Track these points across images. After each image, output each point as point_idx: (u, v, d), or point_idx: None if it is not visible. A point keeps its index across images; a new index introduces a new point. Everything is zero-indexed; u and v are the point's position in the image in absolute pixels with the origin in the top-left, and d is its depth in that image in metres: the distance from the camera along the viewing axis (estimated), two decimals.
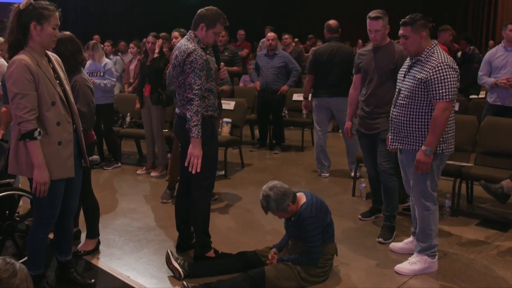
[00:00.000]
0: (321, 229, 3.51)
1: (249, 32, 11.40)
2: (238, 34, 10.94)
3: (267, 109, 7.84)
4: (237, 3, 17.06)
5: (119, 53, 10.51)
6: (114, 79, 6.85)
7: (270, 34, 7.77)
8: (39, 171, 3.00)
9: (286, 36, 9.17)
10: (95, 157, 3.71)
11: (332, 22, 6.30)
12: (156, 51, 6.29)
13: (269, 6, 20.59)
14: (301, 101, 8.10)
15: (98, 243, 4.20)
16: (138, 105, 6.69)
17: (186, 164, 3.57)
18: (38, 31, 3.04)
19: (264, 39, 7.86)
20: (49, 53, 3.24)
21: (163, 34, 6.47)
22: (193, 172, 3.57)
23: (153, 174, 6.53)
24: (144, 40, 6.70)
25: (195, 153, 3.55)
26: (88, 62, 6.61)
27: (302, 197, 3.59)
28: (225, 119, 6.74)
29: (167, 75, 5.11)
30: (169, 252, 3.75)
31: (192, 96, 3.54)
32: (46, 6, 3.07)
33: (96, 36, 10.85)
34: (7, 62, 3.09)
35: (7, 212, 3.84)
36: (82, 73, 3.85)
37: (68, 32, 3.88)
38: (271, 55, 7.63)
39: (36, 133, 2.96)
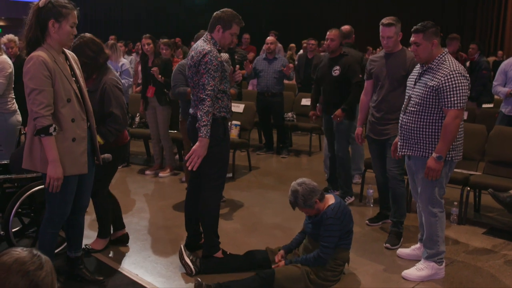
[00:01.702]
0: (340, 234, 3.54)
1: (254, 36, 11.46)
2: (244, 38, 11.02)
3: (267, 113, 7.87)
4: (242, 7, 17.16)
5: (133, 54, 10.56)
6: (131, 79, 6.87)
7: (269, 38, 7.83)
8: (53, 166, 3.03)
9: (312, 41, 8.76)
10: (107, 155, 3.71)
11: (344, 27, 6.25)
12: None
13: (274, 11, 20.65)
14: (309, 106, 8.09)
15: (108, 243, 4.22)
16: (141, 108, 6.73)
17: (186, 158, 3.62)
18: (56, 29, 3.08)
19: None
20: (66, 50, 3.28)
21: (164, 40, 6.57)
22: (189, 168, 3.61)
23: (161, 174, 6.55)
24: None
25: (198, 152, 3.58)
26: None
27: (330, 198, 3.64)
28: (234, 122, 6.74)
29: (172, 77, 5.14)
30: (183, 247, 3.78)
31: (204, 96, 3.58)
32: (65, 4, 3.11)
33: (113, 37, 10.92)
34: (25, 59, 3.13)
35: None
36: (110, 72, 3.82)
37: (88, 34, 3.84)
38: (271, 58, 7.68)
39: (51, 129, 3.00)
